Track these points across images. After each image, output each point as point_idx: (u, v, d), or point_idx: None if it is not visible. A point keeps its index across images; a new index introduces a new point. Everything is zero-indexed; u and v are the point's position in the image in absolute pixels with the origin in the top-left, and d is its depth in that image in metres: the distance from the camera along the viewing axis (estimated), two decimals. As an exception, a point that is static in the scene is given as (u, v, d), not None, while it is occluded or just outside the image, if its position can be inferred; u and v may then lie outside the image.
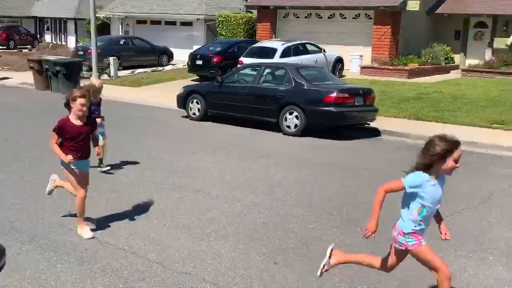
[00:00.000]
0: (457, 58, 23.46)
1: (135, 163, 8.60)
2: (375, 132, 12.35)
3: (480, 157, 10.21)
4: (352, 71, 21.61)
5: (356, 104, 11.99)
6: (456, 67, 22.46)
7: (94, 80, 8.73)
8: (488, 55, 21.73)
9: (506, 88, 16.79)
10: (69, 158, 5.30)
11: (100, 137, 7.70)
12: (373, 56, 22.06)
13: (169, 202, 6.71)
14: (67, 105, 5.42)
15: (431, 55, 21.90)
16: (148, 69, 23.96)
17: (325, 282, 4.64)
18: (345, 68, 21.48)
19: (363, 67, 21.38)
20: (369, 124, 12.56)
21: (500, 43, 20.80)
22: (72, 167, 5.43)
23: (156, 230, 5.74)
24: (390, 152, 10.57)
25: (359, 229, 5.97)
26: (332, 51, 21.00)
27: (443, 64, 22.28)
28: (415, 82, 18.80)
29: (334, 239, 5.66)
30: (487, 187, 7.98)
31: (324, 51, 20.37)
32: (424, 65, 21.37)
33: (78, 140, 5.42)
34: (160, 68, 24.54)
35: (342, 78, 19.28)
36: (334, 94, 11.65)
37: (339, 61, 20.90)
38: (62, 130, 5.38)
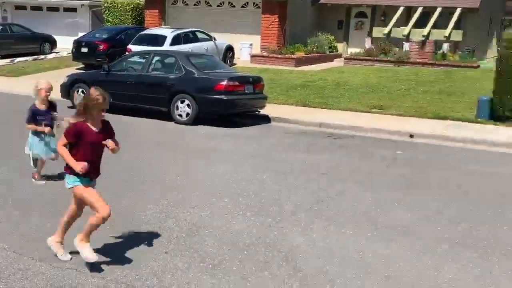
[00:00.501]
0: (340, 46, 24.62)
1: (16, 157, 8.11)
2: (265, 119, 12.67)
3: (361, 140, 10.89)
4: (243, 59, 21.90)
5: (246, 92, 12.21)
6: (339, 56, 23.58)
7: (42, 82, 7.01)
8: (368, 43, 23.04)
9: (384, 75, 17.97)
10: (82, 165, 4.40)
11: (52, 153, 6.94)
12: (262, 44, 22.50)
13: (53, 197, 6.43)
14: (84, 110, 4.48)
15: (316, 44, 22.78)
16: (29, 58, 22.56)
17: (220, 267, 4.74)
18: (236, 56, 21.72)
19: (253, 56, 21.75)
20: (259, 111, 12.85)
21: (378, 32, 22.10)
22: (78, 184, 4.51)
23: (39, 228, 5.48)
24: (280, 137, 10.92)
25: (249, 213, 6.15)
26: (223, 39, 21.14)
27: (328, 52, 23.29)
28: (301, 70, 19.50)
29: (225, 224, 5.78)
30: (366, 168, 8.53)
31: (215, 39, 20.44)
32: (310, 53, 22.19)
33: (93, 151, 4.56)
34: (42, 57, 23.23)
35: (233, 66, 19.49)
36: (224, 82, 11.78)
37: (230, 49, 21.09)
38: (79, 136, 4.47)
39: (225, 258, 4.91)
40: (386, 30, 21.69)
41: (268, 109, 12.87)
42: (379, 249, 5.27)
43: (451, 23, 20.90)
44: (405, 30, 21.27)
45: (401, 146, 10.33)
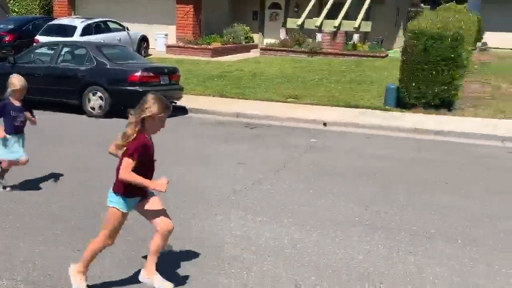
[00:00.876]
0: (256, 37, 24.88)
1: None
2: (182, 110, 12.58)
3: (277, 129, 11.10)
4: (158, 50, 21.58)
5: (161, 83, 12.05)
6: (256, 46, 23.83)
7: (17, 83, 6.19)
8: (282, 34, 23.43)
9: (299, 65, 18.39)
10: (163, 182, 3.88)
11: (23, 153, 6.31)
12: (177, 35, 22.26)
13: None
14: (142, 121, 3.82)
15: (232, 35, 22.88)
16: None
17: (136, 263, 4.68)
18: (151, 47, 21.34)
19: (168, 46, 21.48)
20: (176, 102, 12.71)
21: (292, 23, 22.54)
22: (120, 206, 3.95)
23: None
24: (197, 128, 10.90)
25: (165, 206, 6.09)
26: (138, 29, 20.70)
27: (244, 43, 23.46)
28: (218, 60, 19.51)
29: (139, 218, 5.69)
30: (282, 157, 8.73)
31: (128, 29, 19.97)
32: (226, 44, 22.25)
33: (151, 165, 4.05)
34: None
35: (148, 57, 19.16)
36: (138, 73, 11.55)
37: (144, 39, 20.70)
38: (146, 152, 3.87)
39: (140, 253, 4.85)
40: (300, 21, 22.16)
41: (185, 100, 12.79)
42: (295, 235, 5.42)
43: (361, 14, 21.72)
44: (318, 21, 21.84)
45: (315, 134, 10.64)
